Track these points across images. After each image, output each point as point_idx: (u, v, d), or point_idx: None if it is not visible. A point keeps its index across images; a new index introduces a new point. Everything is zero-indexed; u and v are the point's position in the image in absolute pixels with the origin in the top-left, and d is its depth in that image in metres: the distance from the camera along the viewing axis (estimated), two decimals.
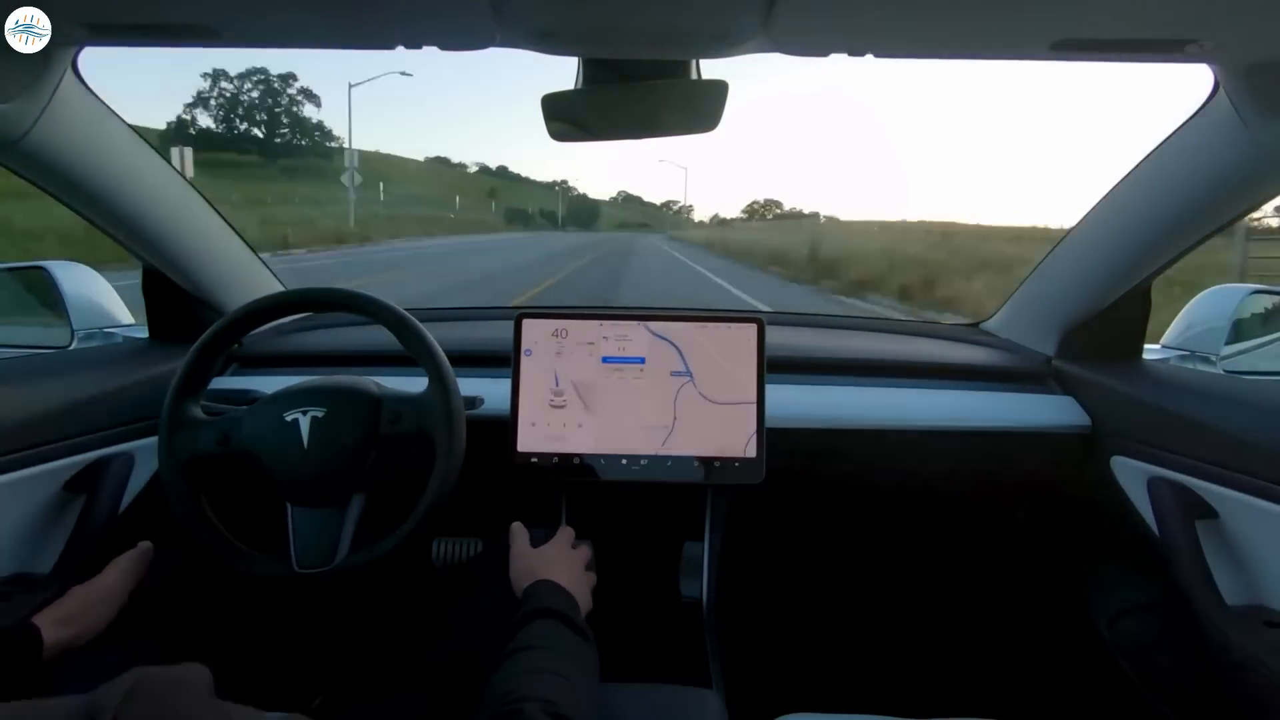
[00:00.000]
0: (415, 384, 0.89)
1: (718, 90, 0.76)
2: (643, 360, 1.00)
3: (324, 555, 0.81)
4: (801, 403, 1.09)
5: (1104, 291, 1.07)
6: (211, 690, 0.49)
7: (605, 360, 1.00)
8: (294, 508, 0.83)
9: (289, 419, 0.83)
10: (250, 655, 0.95)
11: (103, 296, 1.32)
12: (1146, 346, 1.15)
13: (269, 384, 1.05)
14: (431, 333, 0.86)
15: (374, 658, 0.80)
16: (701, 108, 0.80)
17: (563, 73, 0.78)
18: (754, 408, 0.99)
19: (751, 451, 0.98)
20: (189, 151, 15.08)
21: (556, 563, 0.77)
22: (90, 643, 0.71)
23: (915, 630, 1.40)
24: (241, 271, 1.21)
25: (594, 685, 0.64)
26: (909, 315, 7.88)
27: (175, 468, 0.83)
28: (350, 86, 27.84)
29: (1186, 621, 0.85)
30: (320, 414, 0.83)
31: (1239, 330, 1.31)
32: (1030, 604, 1.30)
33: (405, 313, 0.87)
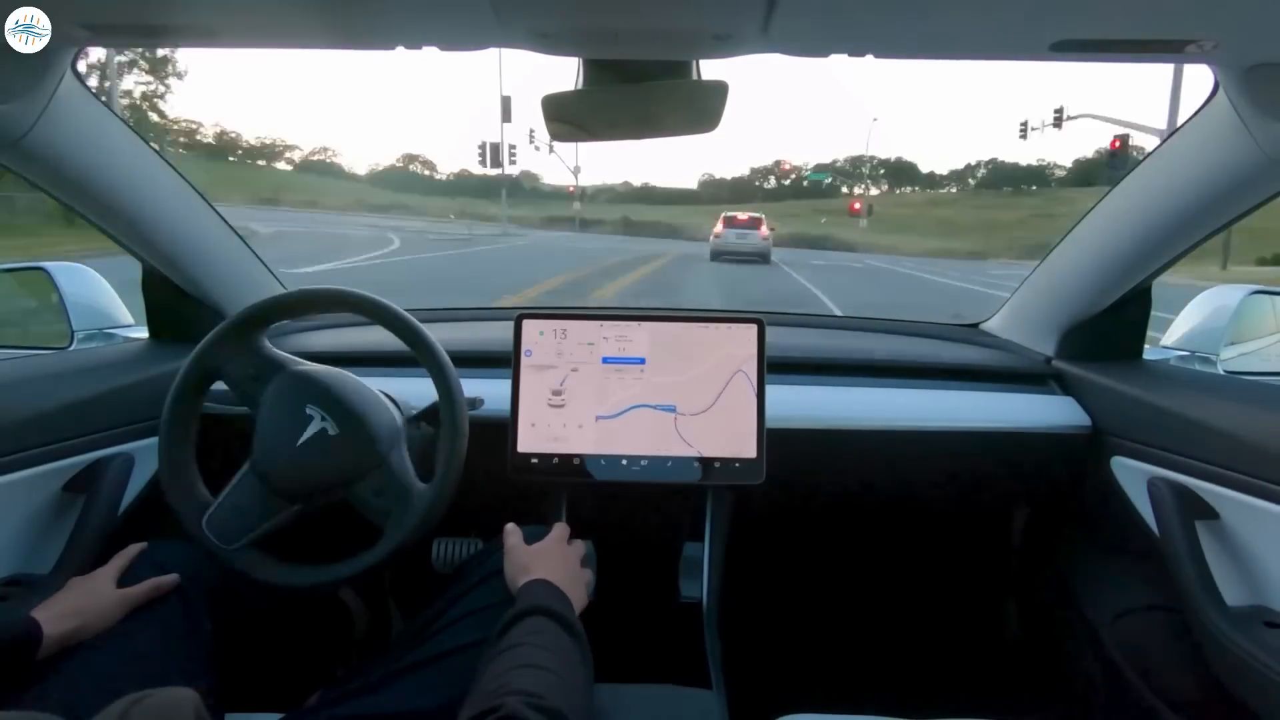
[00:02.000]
0: (418, 387, 0.89)
1: (718, 90, 0.76)
2: (643, 361, 1.00)
3: (234, 532, 0.81)
4: (801, 403, 1.09)
5: (1104, 291, 1.07)
6: (199, 711, 0.49)
7: (605, 360, 1.00)
8: (249, 467, 0.83)
9: (306, 411, 0.83)
10: (248, 653, 0.95)
11: (103, 297, 1.33)
12: (1146, 346, 1.16)
13: None
14: (432, 333, 0.86)
15: (371, 655, 0.80)
16: (702, 108, 0.79)
17: (563, 73, 0.77)
18: (754, 408, 0.99)
19: (751, 452, 0.98)
20: None
21: (550, 560, 0.77)
22: (91, 639, 0.71)
23: (915, 630, 1.40)
24: (241, 271, 1.21)
25: (585, 682, 0.63)
26: None
27: (194, 374, 0.85)
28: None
29: (1186, 621, 0.85)
30: (332, 431, 0.83)
31: (1239, 330, 1.31)
32: (1030, 604, 1.30)
33: (407, 314, 0.87)
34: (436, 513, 0.82)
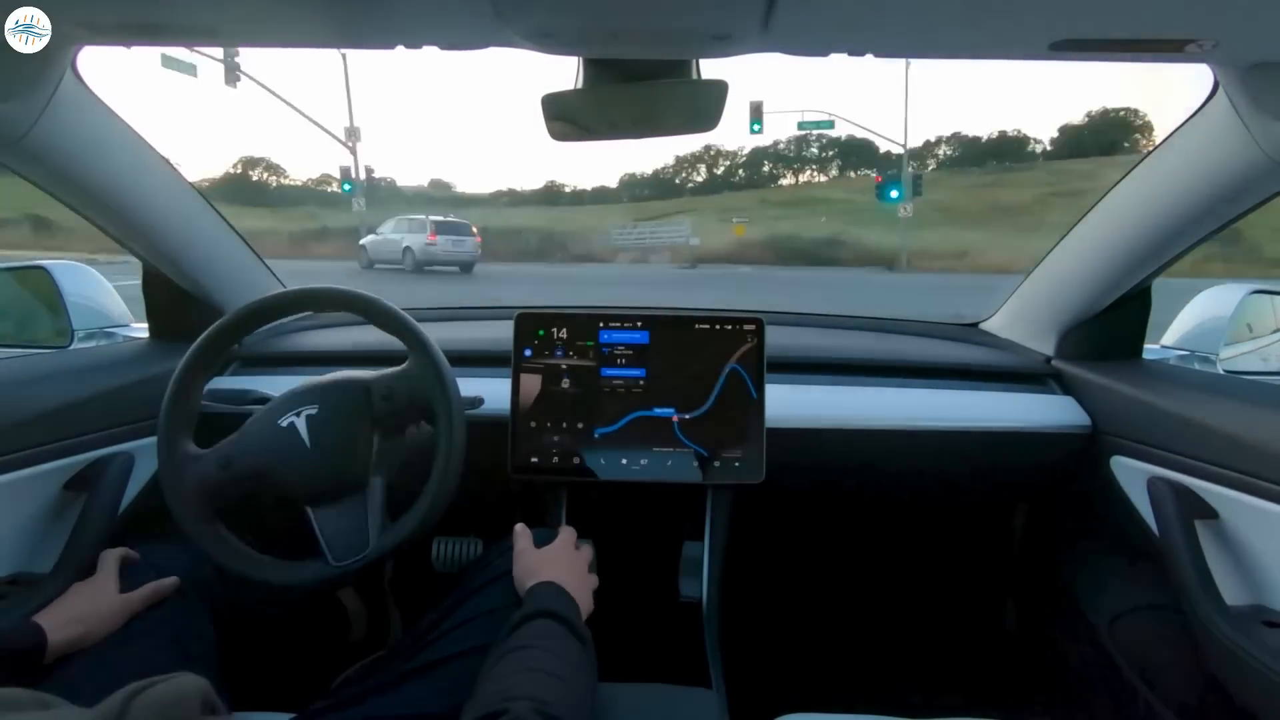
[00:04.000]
0: None
1: (718, 90, 0.76)
2: (643, 373, 1.00)
3: (356, 545, 0.81)
4: (801, 403, 1.09)
5: (1104, 291, 1.07)
6: (207, 701, 0.49)
7: (605, 373, 1.00)
8: (314, 509, 0.83)
9: (285, 424, 0.83)
10: (251, 655, 0.95)
11: (103, 296, 1.33)
12: (1146, 346, 1.16)
13: (269, 384, 1.05)
14: (432, 333, 0.87)
15: (371, 656, 0.80)
16: (702, 107, 0.79)
17: (562, 73, 0.73)
18: (754, 407, 0.99)
19: (752, 451, 0.98)
20: None
21: (559, 564, 0.78)
22: (94, 645, 0.71)
23: (915, 630, 1.40)
24: (241, 271, 1.21)
25: (589, 689, 0.63)
26: None
27: (184, 501, 0.81)
28: None
29: (1186, 621, 0.85)
30: (314, 411, 0.84)
31: (1239, 329, 1.31)
32: (1030, 604, 1.30)
33: (404, 313, 0.87)
34: (437, 510, 0.82)
